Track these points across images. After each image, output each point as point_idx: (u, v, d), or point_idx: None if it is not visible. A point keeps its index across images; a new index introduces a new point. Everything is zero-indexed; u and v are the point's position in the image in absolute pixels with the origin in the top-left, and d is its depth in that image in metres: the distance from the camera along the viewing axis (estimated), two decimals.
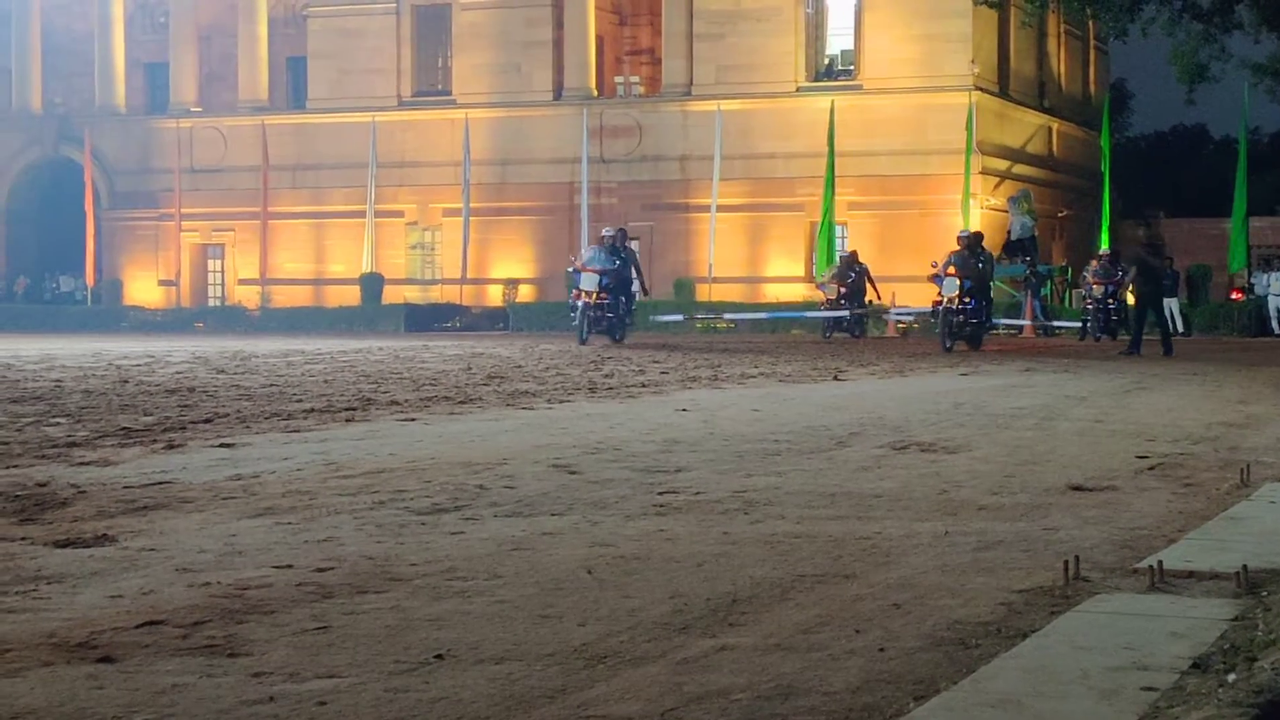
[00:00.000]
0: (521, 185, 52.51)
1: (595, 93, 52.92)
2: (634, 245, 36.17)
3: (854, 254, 43.85)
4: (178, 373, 21.56)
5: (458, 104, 53.33)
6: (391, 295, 51.70)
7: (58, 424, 13.52)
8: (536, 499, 8.87)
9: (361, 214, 53.20)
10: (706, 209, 49.53)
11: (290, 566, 6.67)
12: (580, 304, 33.00)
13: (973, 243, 31.91)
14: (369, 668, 4.92)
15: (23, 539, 7.45)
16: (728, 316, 45.97)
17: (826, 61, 51.99)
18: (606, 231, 34.95)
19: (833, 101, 48.43)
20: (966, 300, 30.66)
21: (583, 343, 32.32)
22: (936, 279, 31.58)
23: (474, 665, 4.96)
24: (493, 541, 7.39)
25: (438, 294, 52.69)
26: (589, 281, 33.01)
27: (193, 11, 57.19)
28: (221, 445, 11.73)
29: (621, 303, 33.50)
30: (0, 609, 5.82)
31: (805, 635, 5.41)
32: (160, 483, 9.56)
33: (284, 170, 54.49)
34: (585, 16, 52.19)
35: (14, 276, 57.93)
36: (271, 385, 18.99)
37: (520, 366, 24.03)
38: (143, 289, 56.46)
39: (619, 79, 55.77)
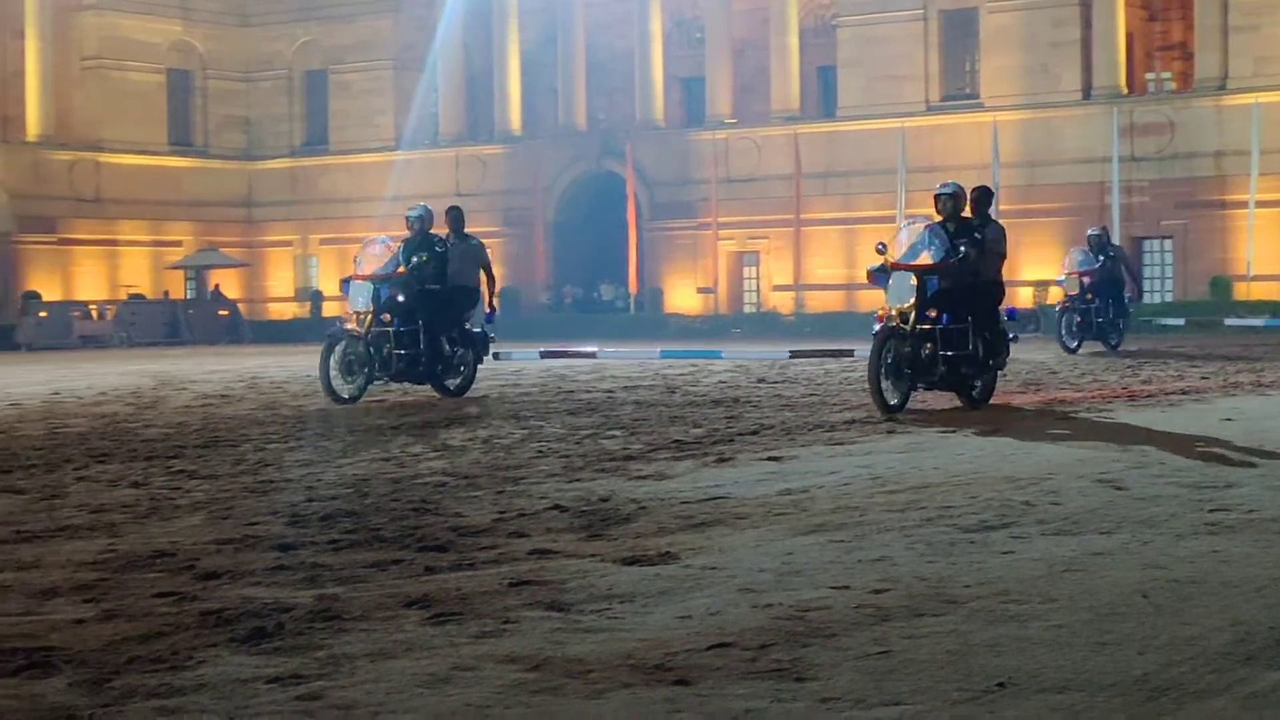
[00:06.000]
0: (1050, 186, 51.70)
1: (1125, 90, 51.70)
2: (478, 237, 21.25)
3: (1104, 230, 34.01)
4: (721, 382, 22.14)
5: (985, 107, 52.94)
6: None
7: (613, 436, 14.14)
8: (1083, 516, 8.84)
9: (891, 219, 53.26)
10: (1243, 205, 47.77)
11: (847, 587, 6.86)
12: (340, 335, 19.76)
13: None
14: (932, 695, 5.04)
15: (592, 555, 7.87)
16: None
17: None
18: (411, 212, 20.29)
19: None
20: None
21: (340, 400, 19.11)
22: None
23: (1035, 694, 5.02)
24: (1043, 562, 7.42)
25: None
26: (359, 296, 19.65)
27: (727, 27, 58.50)
28: (769, 458, 12.06)
29: (425, 333, 19.60)
30: (579, 628, 6.18)
31: None
32: (715, 498, 9.91)
33: (815, 178, 55.11)
34: (1114, 14, 51.04)
35: (561, 286, 60.33)
36: (812, 394, 19.37)
37: (1055, 372, 23.81)
38: (682, 296, 57.98)
39: (1149, 75, 54.35)
